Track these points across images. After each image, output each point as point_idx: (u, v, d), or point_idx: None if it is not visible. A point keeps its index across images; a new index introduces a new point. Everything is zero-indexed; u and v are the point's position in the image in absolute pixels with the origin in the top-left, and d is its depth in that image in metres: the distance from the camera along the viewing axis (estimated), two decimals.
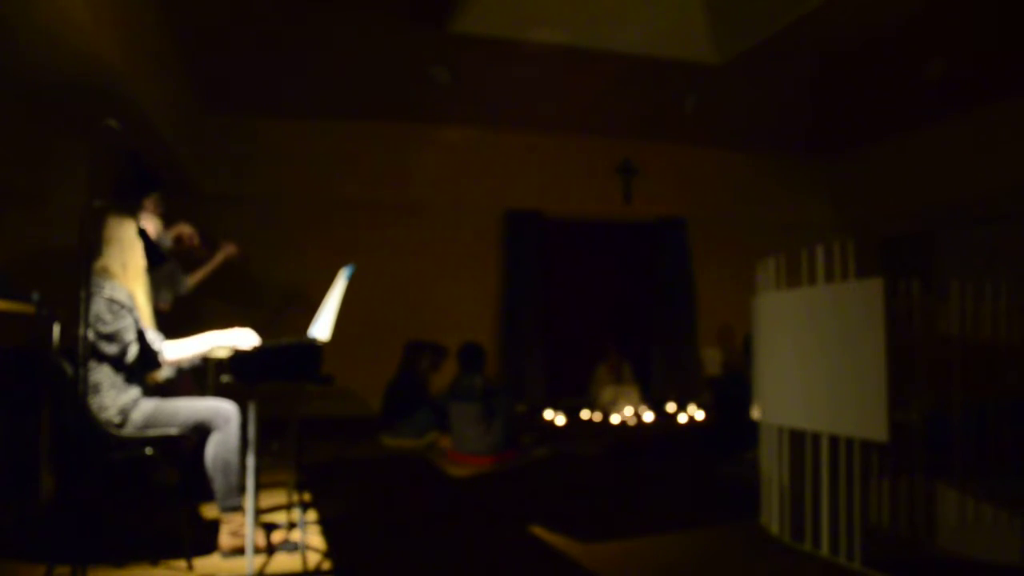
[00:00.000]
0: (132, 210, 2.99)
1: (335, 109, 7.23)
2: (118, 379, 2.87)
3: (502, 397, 5.38)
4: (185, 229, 4.54)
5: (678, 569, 2.93)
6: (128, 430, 2.85)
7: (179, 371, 3.26)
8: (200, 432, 2.90)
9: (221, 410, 2.93)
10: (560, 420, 7.13)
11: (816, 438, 3.10)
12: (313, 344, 2.86)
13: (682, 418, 7.50)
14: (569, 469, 5.13)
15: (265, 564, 2.84)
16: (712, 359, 7.97)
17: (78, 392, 2.49)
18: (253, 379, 2.79)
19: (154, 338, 2.97)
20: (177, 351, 2.99)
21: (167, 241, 4.50)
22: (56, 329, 3.41)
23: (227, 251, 4.82)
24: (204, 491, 3.42)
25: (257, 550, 2.85)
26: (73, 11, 3.61)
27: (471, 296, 7.90)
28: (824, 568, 2.89)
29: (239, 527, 2.90)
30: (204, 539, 3.00)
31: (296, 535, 3.14)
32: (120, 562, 2.79)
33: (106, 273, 2.92)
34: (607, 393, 7.62)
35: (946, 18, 5.22)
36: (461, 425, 5.30)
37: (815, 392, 3.07)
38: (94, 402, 2.80)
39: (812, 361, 3.11)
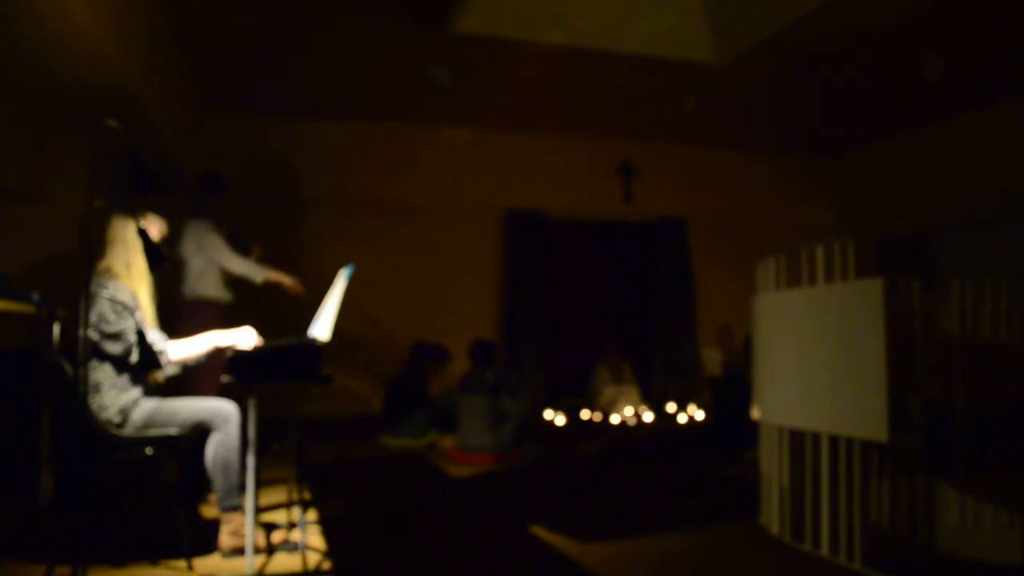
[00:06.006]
0: (134, 210, 2.99)
1: (335, 109, 7.23)
2: (119, 379, 2.87)
3: (507, 399, 5.44)
4: (286, 279, 4.60)
5: (678, 569, 2.93)
6: (128, 430, 2.85)
7: (199, 367, 3.26)
8: (200, 432, 2.90)
9: (221, 410, 2.93)
10: (560, 420, 7.13)
11: (816, 438, 3.10)
12: (313, 344, 2.86)
13: (682, 418, 7.50)
14: (569, 469, 5.13)
15: (265, 564, 2.85)
16: (712, 359, 7.96)
17: (78, 392, 2.49)
18: (253, 379, 2.79)
19: (156, 338, 2.98)
20: (180, 350, 2.99)
21: (258, 277, 4.57)
22: (56, 329, 3.41)
23: (286, 281, 4.71)
24: (204, 491, 3.42)
25: (257, 550, 2.85)
26: (73, 12, 3.62)
27: (471, 296, 7.90)
28: (824, 568, 2.90)
29: (239, 527, 2.90)
30: (204, 539, 3.00)
31: (296, 535, 3.14)
32: (120, 562, 2.79)
33: (109, 273, 2.92)
34: (607, 393, 7.62)
35: (946, 18, 5.22)
36: (469, 418, 5.35)
37: (815, 392, 3.07)
38: (94, 402, 2.81)
39: (812, 361, 3.11)
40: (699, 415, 7.54)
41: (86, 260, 2.55)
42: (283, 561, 2.90)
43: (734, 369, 7.02)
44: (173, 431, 2.87)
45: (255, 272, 4.58)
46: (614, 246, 8.65)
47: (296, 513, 3.47)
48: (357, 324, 7.01)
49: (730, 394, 5.68)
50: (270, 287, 4.68)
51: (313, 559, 2.93)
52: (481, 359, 5.68)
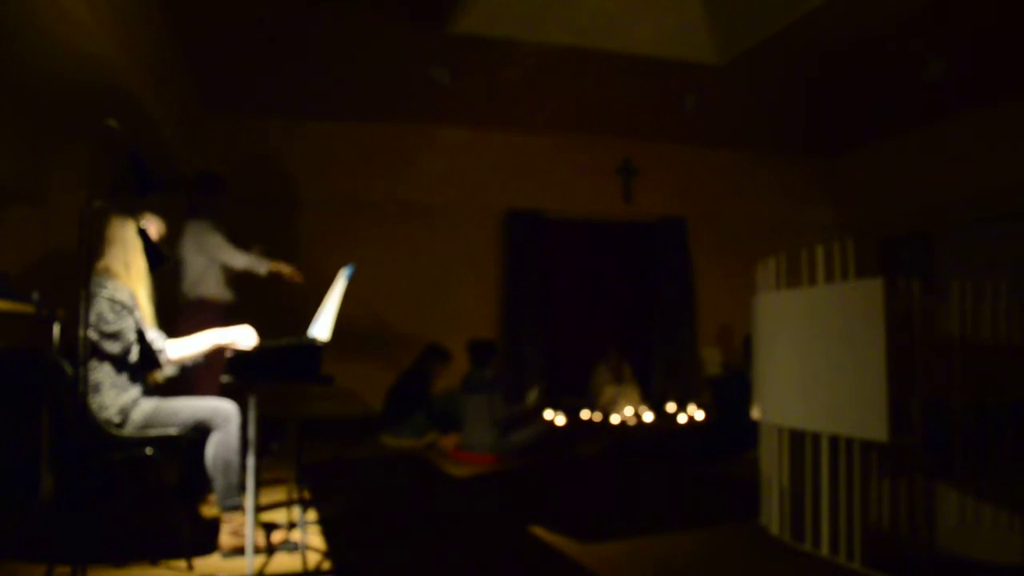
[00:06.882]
0: (134, 210, 2.99)
1: (335, 109, 7.23)
2: (119, 379, 2.87)
3: (498, 402, 5.44)
4: (285, 268, 4.58)
5: (678, 569, 2.93)
6: (128, 430, 2.85)
7: (200, 367, 3.26)
8: (200, 432, 2.90)
9: (221, 410, 2.93)
10: (560, 420, 7.13)
11: (816, 438, 3.10)
12: (313, 344, 2.86)
13: (682, 418, 7.50)
14: (569, 469, 5.13)
15: (265, 564, 2.85)
16: (712, 359, 7.96)
17: (78, 392, 2.49)
18: (253, 379, 2.79)
19: (155, 337, 2.98)
20: (179, 350, 2.99)
21: (262, 269, 4.54)
22: (56, 329, 3.41)
23: (285, 270, 4.71)
24: (204, 491, 3.42)
25: (257, 550, 2.85)
26: (73, 11, 3.62)
27: (471, 296, 7.90)
28: (824, 568, 2.90)
29: (239, 527, 2.90)
30: (204, 539, 3.00)
31: (296, 535, 3.14)
32: (120, 562, 2.79)
33: (108, 273, 2.92)
34: (607, 393, 7.61)
35: (946, 18, 5.22)
36: (471, 417, 5.36)
37: (815, 392, 3.07)
38: (94, 401, 2.81)
39: (812, 361, 3.11)
40: (699, 415, 7.53)
41: (86, 260, 2.55)
42: (283, 561, 2.90)
43: (734, 369, 7.02)
44: (173, 431, 2.87)
45: (258, 264, 4.56)
46: (614, 246, 8.64)
47: (296, 513, 3.46)
48: (357, 324, 7.02)
49: (730, 394, 5.68)
50: (272, 284, 4.67)
51: (313, 559, 2.93)
52: (479, 358, 5.70)
